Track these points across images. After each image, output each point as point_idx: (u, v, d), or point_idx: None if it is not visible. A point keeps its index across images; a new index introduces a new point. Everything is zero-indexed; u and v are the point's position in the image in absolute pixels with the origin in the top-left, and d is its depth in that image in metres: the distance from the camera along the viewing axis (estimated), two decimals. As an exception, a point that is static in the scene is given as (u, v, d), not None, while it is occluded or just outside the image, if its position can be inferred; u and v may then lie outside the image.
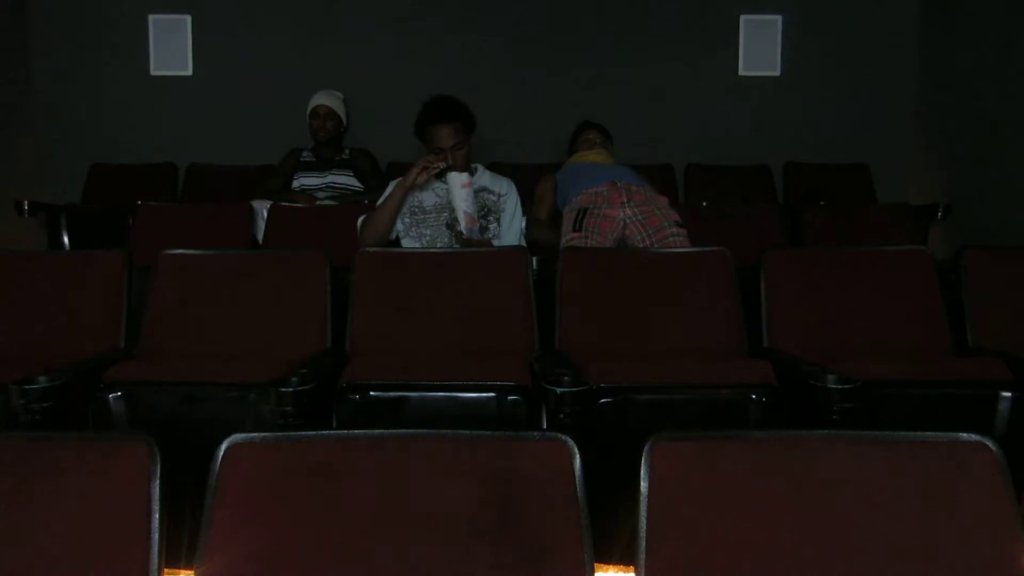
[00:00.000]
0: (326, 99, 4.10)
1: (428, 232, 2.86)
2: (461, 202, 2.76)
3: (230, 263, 2.53)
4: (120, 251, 2.52)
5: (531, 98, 4.70)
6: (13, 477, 1.11)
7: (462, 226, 2.76)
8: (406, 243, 2.88)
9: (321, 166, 4.02)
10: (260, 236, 3.44)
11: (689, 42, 4.80)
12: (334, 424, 1.96)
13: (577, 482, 1.09)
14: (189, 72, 4.76)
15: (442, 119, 2.81)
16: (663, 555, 1.07)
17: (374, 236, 2.80)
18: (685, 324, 2.39)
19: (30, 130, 4.68)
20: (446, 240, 2.85)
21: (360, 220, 2.91)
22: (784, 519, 1.09)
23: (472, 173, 2.95)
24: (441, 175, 2.84)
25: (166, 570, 1.08)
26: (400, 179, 2.83)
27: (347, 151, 4.12)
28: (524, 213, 3.05)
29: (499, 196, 2.94)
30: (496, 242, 2.89)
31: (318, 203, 3.82)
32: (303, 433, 1.16)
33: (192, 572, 1.07)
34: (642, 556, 1.07)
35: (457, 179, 2.76)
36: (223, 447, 1.10)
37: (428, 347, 2.33)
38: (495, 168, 3.22)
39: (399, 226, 2.87)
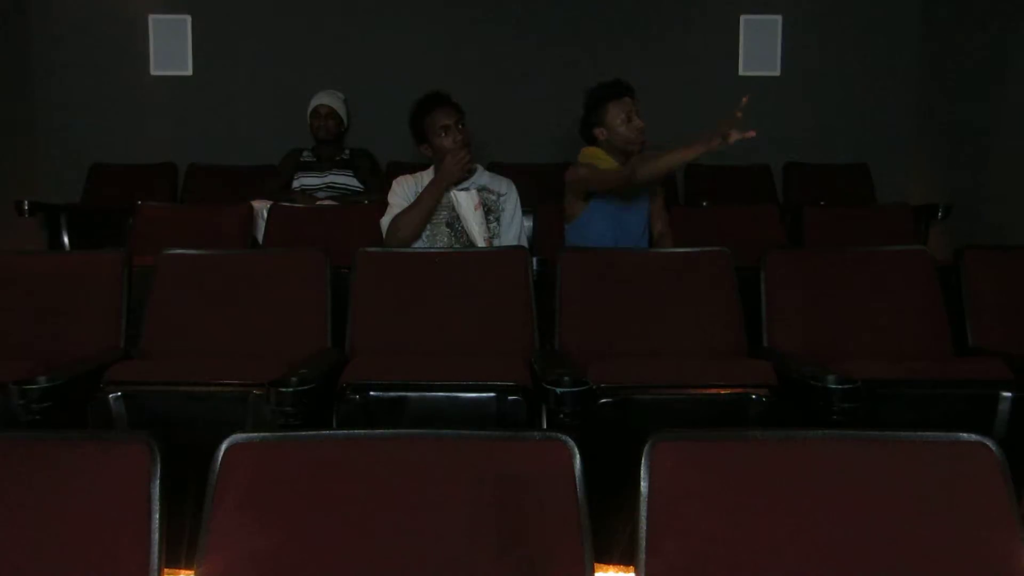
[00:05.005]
0: (327, 99, 4.10)
1: (428, 231, 2.86)
2: (476, 225, 2.76)
3: (230, 263, 2.53)
4: (120, 251, 2.52)
5: (531, 98, 4.70)
6: (13, 477, 1.11)
7: (480, 245, 2.77)
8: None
9: (321, 166, 4.02)
10: (260, 236, 3.44)
11: (689, 42, 4.80)
12: (334, 424, 1.96)
13: (577, 482, 1.09)
14: (189, 72, 4.76)
15: (438, 103, 2.87)
16: (663, 555, 1.07)
17: (407, 237, 2.80)
18: (685, 324, 2.39)
19: (30, 130, 4.68)
20: (446, 240, 2.85)
21: (386, 221, 2.88)
22: (784, 519, 1.09)
23: (472, 172, 2.96)
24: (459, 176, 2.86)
25: (166, 570, 1.08)
26: (431, 180, 2.82)
27: (347, 151, 4.12)
28: (524, 213, 3.04)
29: (499, 196, 2.94)
30: (496, 242, 2.89)
31: (318, 203, 3.82)
32: (303, 433, 1.16)
33: (192, 572, 1.06)
34: (642, 556, 1.07)
35: (468, 200, 2.76)
36: (223, 447, 1.10)
37: (428, 347, 2.33)
38: (495, 168, 3.22)
39: None
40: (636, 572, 1.07)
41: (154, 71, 4.75)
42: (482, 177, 2.97)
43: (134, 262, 2.48)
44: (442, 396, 1.94)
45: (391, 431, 1.14)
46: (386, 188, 3.03)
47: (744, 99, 2.46)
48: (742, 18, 4.80)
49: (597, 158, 2.90)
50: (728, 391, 1.97)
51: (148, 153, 4.59)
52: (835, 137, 4.74)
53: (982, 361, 2.15)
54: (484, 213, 2.82)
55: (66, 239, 3.86)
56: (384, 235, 2.87)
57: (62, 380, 1.86)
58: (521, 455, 1.11)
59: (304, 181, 3.96)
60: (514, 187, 3.00)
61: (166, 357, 2.25)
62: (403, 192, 2.91)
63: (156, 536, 1.07)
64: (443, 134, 2.85)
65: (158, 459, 1.09)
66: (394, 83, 4.55)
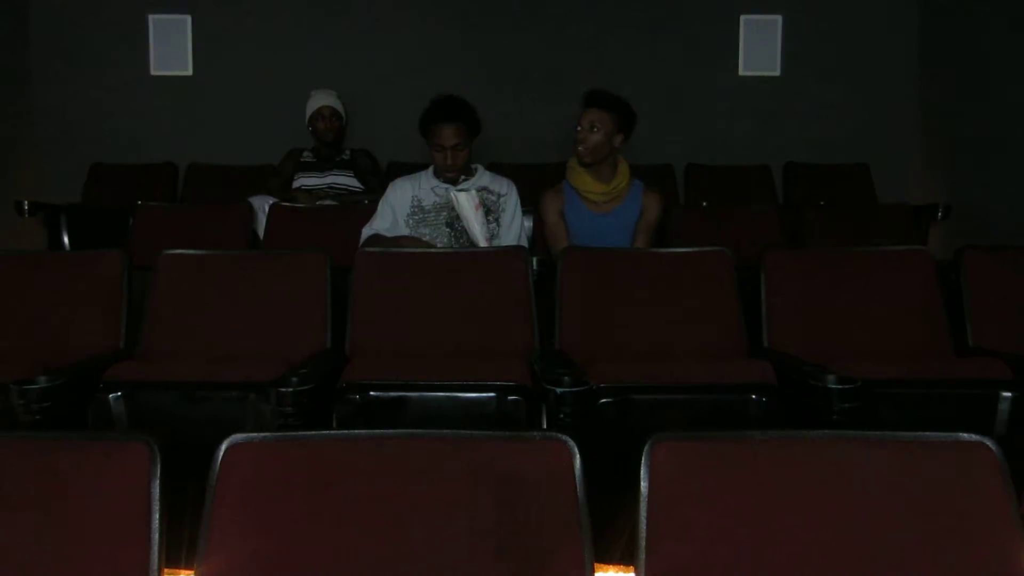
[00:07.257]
0: (327, 99, 4.09)
1: (427, 231, 2.86)
2: (476, 225, 2.76)
3: (230, 263, 2.53)
4: (120, 251, 2.52)
5: (531, 98, 4.70)
6: (13, 477, 1.11)
7: (481, 245, 2.77)
8: None
9: (322, 166, 4.01)
10: (261, 231, 3.44)
11: (689, 42, 4.80)
12: (334, 424, 1.96)
13: (577, 482, 1.09)
14: (189, 72, 4.77)
15: (445, 118, 2.82)
16: (663, 555, 1.07)
17: None
18: (685, 324, 2.39)
19: (30, 130, 4.68)
20: (446, 240, 2.85)
21: (367, 232, 2.89)
22: (784, 519, 1.09)
23: (472, 173, 2.95)
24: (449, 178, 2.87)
25: (166, 570, 1.08)
26: (415, 239, 2.80)
27: (347, 151, 4.11)
28: (524, 213, 3.04)
29: (499, 196, 2.94)
30: (496, 242, 2.89)
31: (318, 203, 3.82)
32: (303, 433, 1.16)
33: (192, 572, 1.06)
34: (642, 556, 1.07)
35: (468, 200, 2.76)
36: (223, 447, 1.10)
37: (428, 347, 2.33)
38: (495, 168, 3.22)
39: (404, 229, 2.88)
40: (636, 572, 1.07)
41: (154, 71, 4.75)
42: (482, 177, 2.97)
43: (134, 262, 2.48)
44: (442, 396, 1.94)
45: (391, 431, 1.14)
46: (386, 188, 3.03)
47: None
48: (742, 18, 4.80)
49: (573, 170, 2.98)
50: (728, 391, 1.97)
51: (148, 153, 4.59)
52: (835, 137, 4.74)
53: (982, 361, 2.15)
54: (484, 213, 2.82)
55: (66, 239, 3.85)
56: (360, 242, 2.86)
57: (62, 380, 1.86)
58: (521, 455, 1.11)
59: (304, 181, 3.96)
60: (514, 187, 3.00)
61: (166, 357, 2.25)
62: (396, 198, 2.91)
63: (156, 536, 1.07)
64: (437, 152, 2.84)
65: (158, 459, 1.09)
66: (394, 83, 4.56)
